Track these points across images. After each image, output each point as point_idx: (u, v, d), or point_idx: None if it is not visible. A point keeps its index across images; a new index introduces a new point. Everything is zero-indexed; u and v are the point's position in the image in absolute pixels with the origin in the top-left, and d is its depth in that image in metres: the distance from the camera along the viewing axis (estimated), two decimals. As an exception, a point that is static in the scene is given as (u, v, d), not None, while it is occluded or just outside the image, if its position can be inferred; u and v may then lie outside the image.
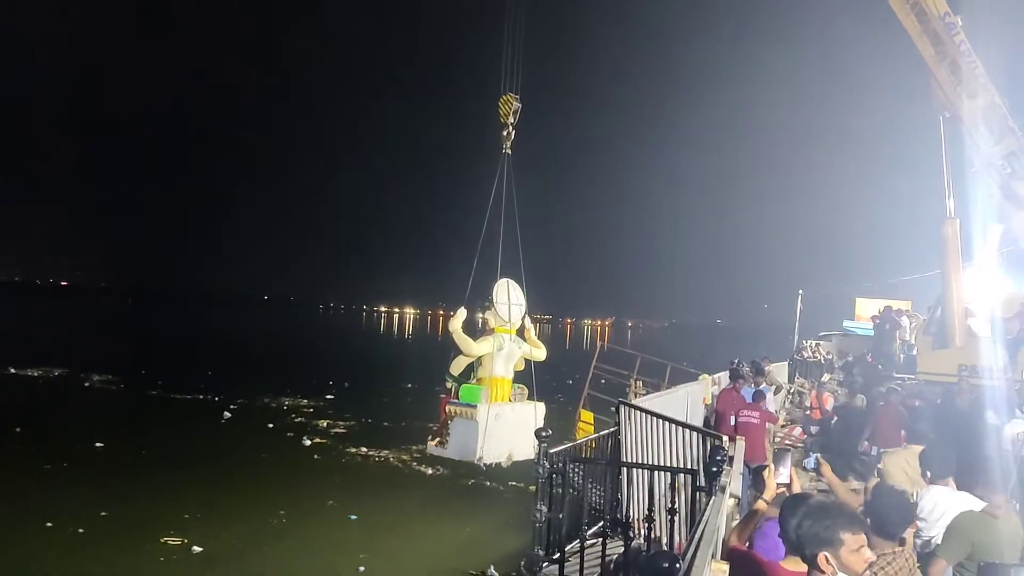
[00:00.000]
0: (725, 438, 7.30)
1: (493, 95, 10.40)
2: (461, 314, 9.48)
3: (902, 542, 4.13)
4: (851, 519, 3.09)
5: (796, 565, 3.30)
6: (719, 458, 5.71)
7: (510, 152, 10.49)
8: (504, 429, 9.05)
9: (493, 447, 9.05)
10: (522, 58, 10.52)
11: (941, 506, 5.27)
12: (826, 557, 2.98)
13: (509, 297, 9.67)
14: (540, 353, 10.02)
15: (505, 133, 10.46)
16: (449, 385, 9.85)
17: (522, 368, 10.11)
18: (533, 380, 9.98)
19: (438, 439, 9.83)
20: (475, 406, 9.16)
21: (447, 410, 9.64)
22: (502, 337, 9.60)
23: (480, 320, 10.16)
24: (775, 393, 13.29)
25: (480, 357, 9.60)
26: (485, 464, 9.10)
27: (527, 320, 10.03)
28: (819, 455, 7.44)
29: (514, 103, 10.48)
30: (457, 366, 9.78)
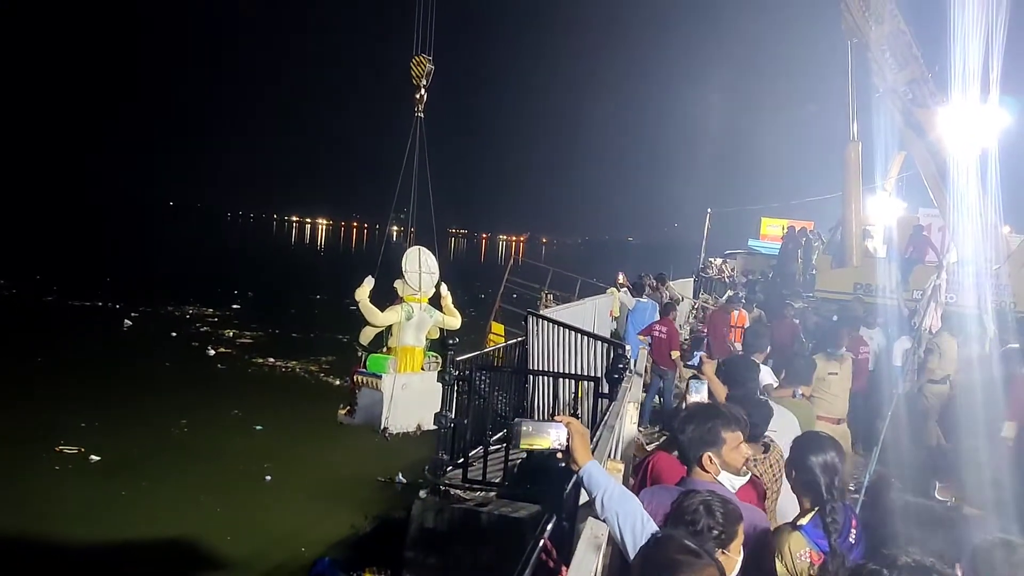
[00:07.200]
0: (627, 346, 7.46)
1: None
2: (367, 283, 9.24)
3: (766, 448, 4.03)
4: (728, 418, 3.17)
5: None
6: (621, 365, 5.83)
7: (422, 115, 10.10)
8: (412, 399, 8.97)
9: (400, 417, 8.99)
10: (435, 22, 10.00)
11: None
12: (710, 457, 3.08)
13: (420, 265, 9.47)
14: (454, 321, 9.90)
15: (418, 96, 10.04)
16: (360, 354, 9.68)
17: (436, 336, 10.00)
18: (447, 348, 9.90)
19: (348, 408, 9.73)
20: (380, 376, 9.06)
21: (354, 380, 9.52)
22: (411, 306, 9.40)
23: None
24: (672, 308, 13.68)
25: (390, 326, 9.43)
26: (390, 434, 9.06)
27: (443, 288, 9.88)
28: (702, 353, 7.60)
29: (427, 65, 10.02)
30: (366, 336, 9.58)
